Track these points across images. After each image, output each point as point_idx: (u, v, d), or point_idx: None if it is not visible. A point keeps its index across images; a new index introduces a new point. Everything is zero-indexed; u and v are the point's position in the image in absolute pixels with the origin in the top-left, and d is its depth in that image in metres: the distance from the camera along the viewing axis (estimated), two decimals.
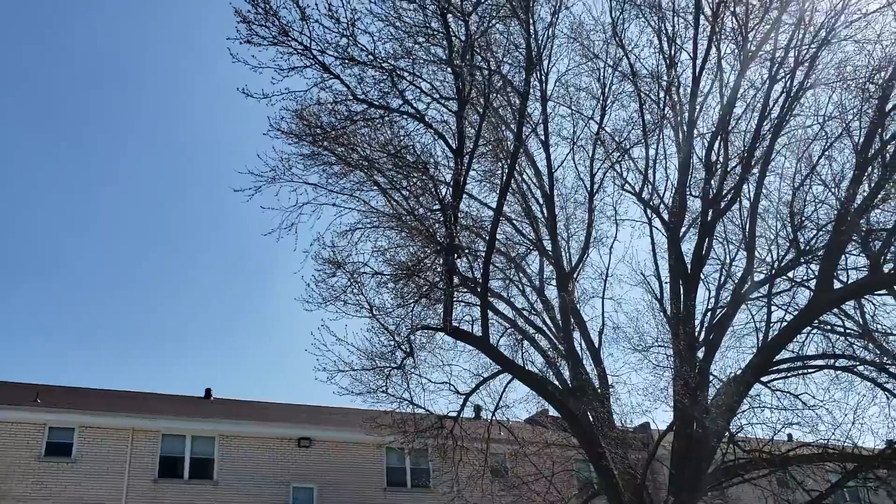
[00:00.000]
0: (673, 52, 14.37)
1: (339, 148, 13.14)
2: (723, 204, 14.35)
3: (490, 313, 13.99)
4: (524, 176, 16.33)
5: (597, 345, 15.33)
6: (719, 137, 13.96)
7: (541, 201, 15.95)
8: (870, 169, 13.27)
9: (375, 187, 13.72)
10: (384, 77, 11.52)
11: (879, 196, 12.96)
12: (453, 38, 12.13)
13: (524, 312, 16.22)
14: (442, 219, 13.01)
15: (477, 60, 12.81)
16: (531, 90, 14.22)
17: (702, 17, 13.66)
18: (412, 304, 13.10)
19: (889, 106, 12.55)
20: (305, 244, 20.47)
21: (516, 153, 14.15)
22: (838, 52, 13.68)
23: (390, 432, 14.17)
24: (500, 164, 15.52)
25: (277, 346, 53.87)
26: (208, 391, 24.69)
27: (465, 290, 14.43)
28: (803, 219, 14.75)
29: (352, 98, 11.73)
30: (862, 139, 13.08)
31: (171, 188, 50.97)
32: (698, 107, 14.33)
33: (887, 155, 12.92)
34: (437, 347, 14.51)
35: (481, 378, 14.80)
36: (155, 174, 48.92)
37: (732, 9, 13.37)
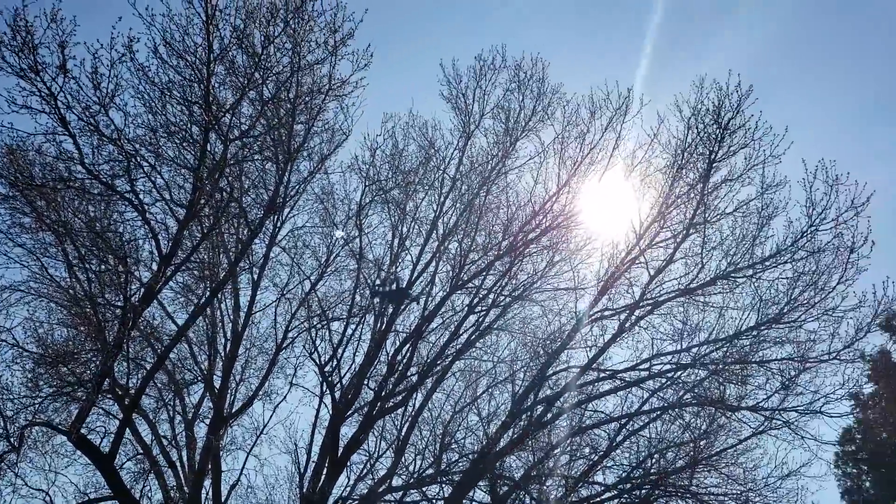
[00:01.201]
0: (400, 252, 15.42)
1: (41, 202, 12.00)
2: (391, 403, 15.01)
3: (127, 430, 12.89)
4: (223, 305, 15.92)
5: (223, 499, 14.64)
6: (410, 343, 14.84)
7: (229, 336, 15.54)
8: (519, 419, 14.83)
9: (62, 257, 12.59)
10: (121, 158, 10.92)
11: (518, 446, 14.42)
12: (208, 152, 12.00)
13: (164, 440, 15.16)
14: (120, 317, 12.09)
15: (223, 183, 12.70)
16: (263, 230, 14.34)
17: (434, 234, 15.00)
18: (44, 397, 11.67)
19: (549, 372, 14.36)
20: None
21: (224, 283, 13.90)
22: (527, 308, 15.68)
23: None
24: (204, 285, 15.07)
25: None
26: None
27: (111, 398, 13.28)
28: (453, 441, 15.89)
29: (79, 162, 10.89)
30: (521, 391, 14.68)
31: None
32: (402, 307, 15.29)
33: (536, 412, 14.54)
34: (53, 451, 12.93)
35: (87, 498, 13.30)
36: None
37: (459, 238, 14.88)
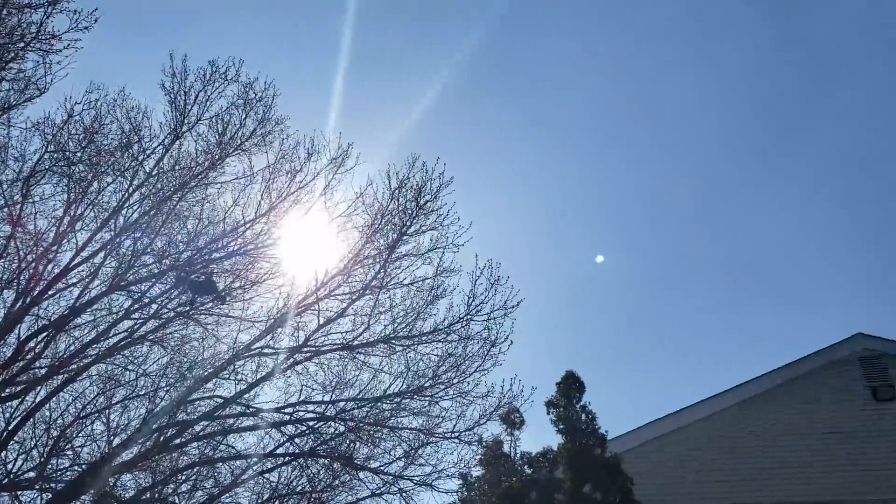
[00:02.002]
0: (67, 232, 14.01)
1: None
2: (6, 393, 13.41)
3: None
4: None
5: None
6: (49, 333, 13.50)
7: None
8: (149, 438, 14.04)
9: None
10: None
11: (139, 465, 13.68)
12: None
13: None
14: None
15: None
16: None
17: (112, 224, 13.96)
18: None
19: (194, 396, 13.97)
20: None
21: None
22: (190, 328, 15.07)
23: None
24: None
25: None
26: None
27: None
28: (68, 447, 14.62)
29: None
30: (158, 409, 14.04)
31: None
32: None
33: (168, 434, 13.88)
34: None
35: None
36: None
37: (137, 236, 14.02)
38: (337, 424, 14.31)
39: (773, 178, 32.43)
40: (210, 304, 14.11)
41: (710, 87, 31.92)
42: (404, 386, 14.11)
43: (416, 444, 13.97)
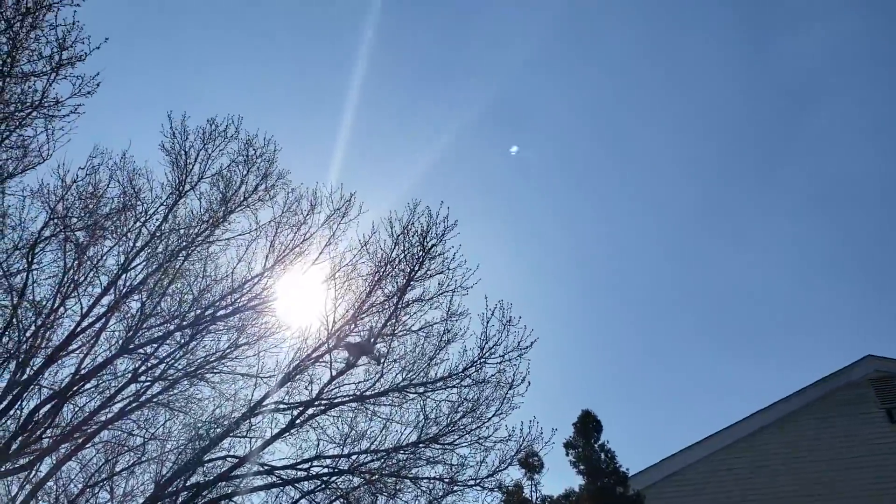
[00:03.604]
0: (66, 300, 13.83)
1: None
2: (11, 465, 13.04)
3: None
4: None
5: None
6: (54, 402, 13.18)
7: None
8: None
9: None
10: None
11: None
12: None
13: None
14: None
15: None
16: None
17: (114, 289, 13.77)
18: None
19: (206, 457, 13.66)
20: None
21: None
22: (198, 387, 14.85)
23: None
24: None
25: None
26: None
27: None
28: None
29: None
30: (169, 474, 13.70)
31: None
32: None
33: (179, 499, 13.56)
34: None
35: None
36: None
37: (142, 298, 13.80)
38: (352, 477, 14.05)
39: (764, 202, 32.87)
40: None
41: (691, 121, 32.60)
42: (420, 435, 13.92)
43: (439, 493, 13.75)
